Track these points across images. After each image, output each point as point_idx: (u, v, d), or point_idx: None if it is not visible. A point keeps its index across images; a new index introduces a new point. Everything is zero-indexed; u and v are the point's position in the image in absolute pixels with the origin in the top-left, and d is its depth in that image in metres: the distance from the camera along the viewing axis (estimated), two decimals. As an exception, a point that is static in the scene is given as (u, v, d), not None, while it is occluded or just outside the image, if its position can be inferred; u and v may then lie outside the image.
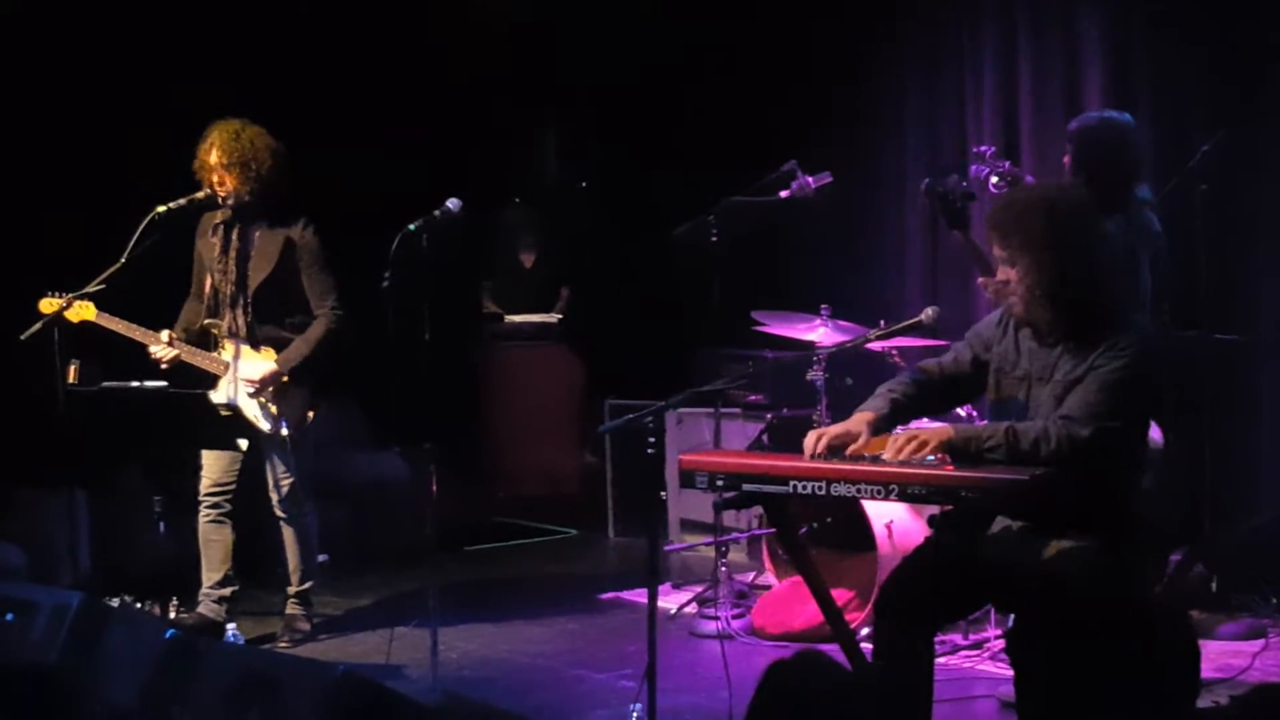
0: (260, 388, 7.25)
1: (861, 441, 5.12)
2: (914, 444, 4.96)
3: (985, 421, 5.95)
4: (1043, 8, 8.81)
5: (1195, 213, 7.20)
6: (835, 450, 5.12)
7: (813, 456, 5.12)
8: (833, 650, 5.60)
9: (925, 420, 5.85)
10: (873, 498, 5.00)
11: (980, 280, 6.38)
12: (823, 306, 7.78)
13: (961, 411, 6.91)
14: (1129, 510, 5.04)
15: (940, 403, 5.41)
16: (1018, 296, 5.10)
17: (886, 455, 4.99)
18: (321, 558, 8.02)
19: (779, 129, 9.43)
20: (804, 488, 5.04)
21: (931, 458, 4.93)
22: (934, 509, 5.34)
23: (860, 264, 9.64)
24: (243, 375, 7.28)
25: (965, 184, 6.84)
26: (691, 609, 7.91)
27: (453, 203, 6.62)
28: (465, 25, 10.87)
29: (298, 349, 7.31)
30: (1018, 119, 8.87)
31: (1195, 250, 7.19)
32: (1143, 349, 5.00)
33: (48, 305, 7.08)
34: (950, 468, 4.87)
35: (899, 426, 5.32)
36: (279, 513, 7.49)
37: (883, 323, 7.00)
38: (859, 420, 5.18)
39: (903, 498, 4.94)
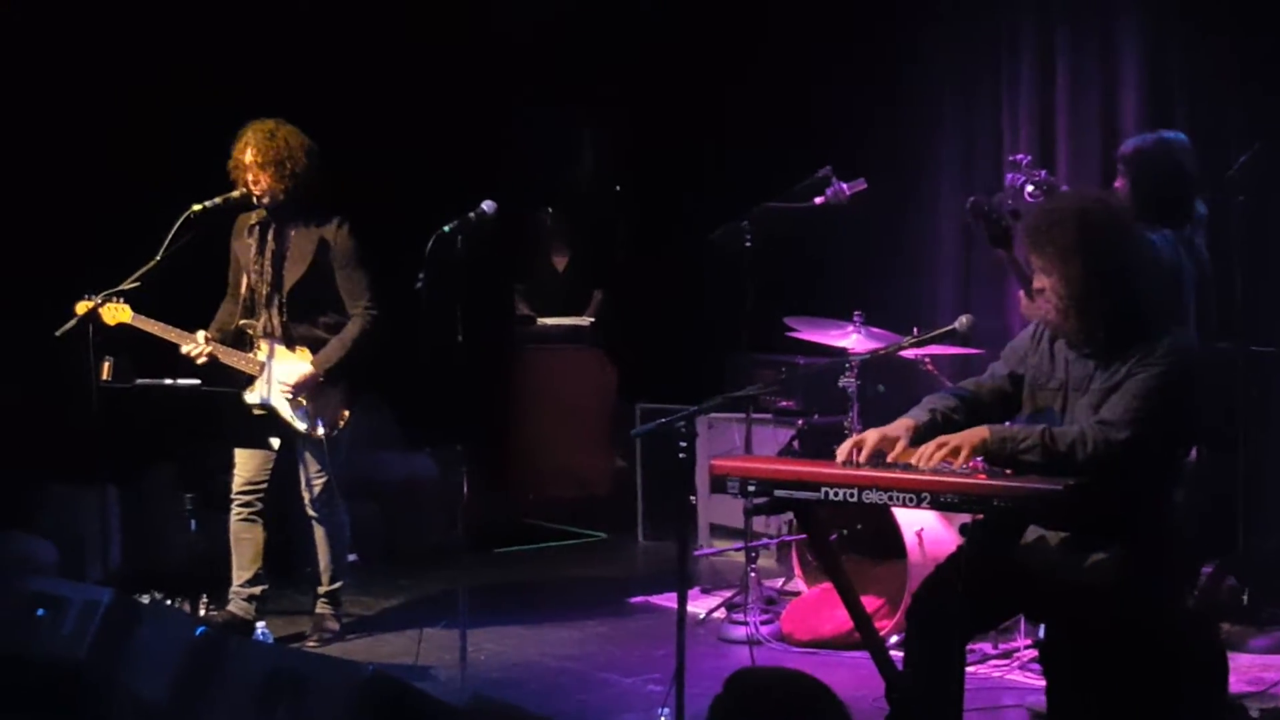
0: (298, 392, 7.27)
1: (900, 447, 5.09)
2: (945, 450, 4.95)
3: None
4: (1080, 17, 8.79)
5: (1232, 224, 7.17)
6: (872, 456, 5.12)
7: (845, 463, 5.11)
8: (862, 658, 5.61)
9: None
10: (904, 505, 4.98)
11: (1022, 304, 6.40)
12: (856, 313, 7.77)
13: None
14: (1163, 521, 5.02)
15: (982, 419, 5.37)
16: (1052, 305, 5.09)
17: (916, 461, 4.98)
18: (351, 557, 8.03)
19: (814, 135, 9.42)
20: (835, 494, 5.02)
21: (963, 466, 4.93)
22: (966, 517, 5.32)
23: (894, 271, 9.63)
24: (278, 377, 7.29)
25: (1010, 202, 6.82)
26: (720, 614, 7.90)
27: (488, 205, 6.63)
28: (501, 27, 10.87)
29: (334, 350, 7.32)
30: (1054, 127, 8.85)
31: (1232, 262, 7.16)
32: (1180, 356, 4.98)
33: (84, 308, 7.10)
34: (983, 476, 4.85)
35: None
36: (310, 512, 7.50)
37: (916, 330, 6.99)
38: (900, 425, 5.17)
39: (935, 506, 4.92)
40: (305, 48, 9.40)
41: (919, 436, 5.13)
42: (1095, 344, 5.08)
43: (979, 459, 4.96)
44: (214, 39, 9.12)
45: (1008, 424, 5.18)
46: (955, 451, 4.93)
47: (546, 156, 11.87)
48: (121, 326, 7.15)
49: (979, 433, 4.98)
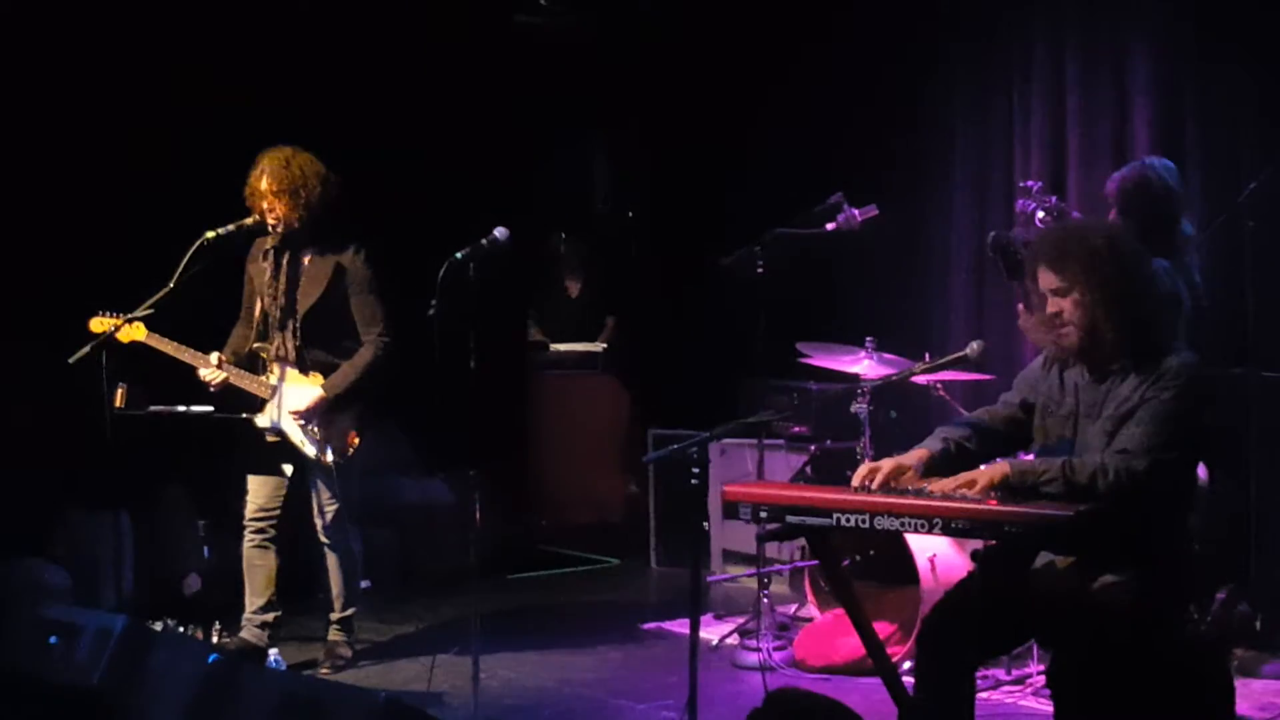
0: (307, 415, 7.28)
1: (911, 475, 5.12)
2: (961, 483, 4.97)
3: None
4: (1092, 43, 8.79)
5: (1243, 249, 7.18)
6: (886, 484, 5.13)
7: (858, 489, 5.12)
8: (875, 684, 5.61)
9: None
10: (916, 531, 4.99)
11: (1020, 317, 6.44)
12: (867, 339, 7.78)
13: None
14: (1175, 546, 5.03)
15: (995, 450, 5.37)
16: (1073, 324, 5.10)
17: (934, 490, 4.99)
18: (364, 584, 8.04)
19: (828, 162, 9.42)
20: (848, 520, 5.03)
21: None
22: (978, 543, 5.33)
23: (906, 297, 9.63)
24: (289, 401, 7.30)
25: (1025, 233, 6.86)
26: (733, 640, 7.90)
27: (500, 231, 6.64)
28: (517, 55, 10.90)
29: (344, 374, 7.33)
30: (1066, 154, 8.85)
31: (1243, 286, 7.16)
32: (1189, 378, 4.99)
33: (98, 325, 7.12)
34: (994, 502, 4.86)
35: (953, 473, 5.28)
36: (323, 538, 7.50)
37: (928, 356, 7.00)
38: (913, 456, 5.20)
39: (946, 531, 4.93)
40: (320, 71, 9.41)
41: (932, 466, 5.16)
42: (1117, 359, 5.08)
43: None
44: (229, 62, 9.14)
45: (1023, 458, 5.18)
46: (971, 485, 4.95)
47: (561, 183, 11.91)
48: (135, 350, 7.16)
49: (1000, 468, 5.00)
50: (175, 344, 7.26)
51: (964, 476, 5.00)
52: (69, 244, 8.53)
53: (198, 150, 8.66)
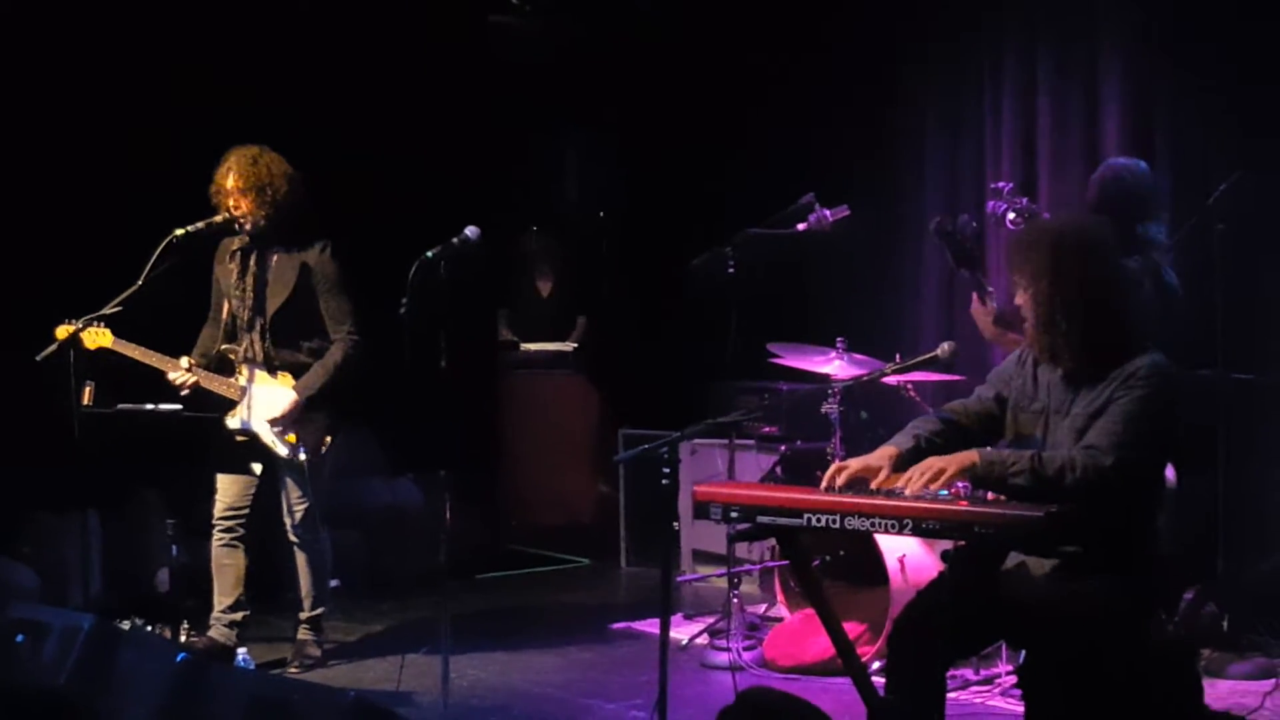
0: (282, 419, 7.25)
1: (883, 475, 5.12)
2: (930, 473, 4.96)
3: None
4: (1064, 45, 8.82)
5: (1212, 252, 7.20)
6: (855, 483, 5.13)
7: (828, 489, 5.12)
8: (844, 684, 5.61)
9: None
10: (887, 532, 4.98)
11: (973, 305, 6.49)
12: (838, 339, 7.79)
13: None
14: (1144, 547, 5.04)
15: (966, 443, 5.38)
16: (1029, 324, 5.14)
17: (903, 486, 4.99)
18: (333, 583, 8.02)
19: (802, 163, 9.42)
20: (818, 521, 5.03)
21: (944, 492, 4.93)
22: (948, 543, 5.33)
23: (877, 297, 9.64)
24: (259, 402, 7.28)
25: (974, 224, 6.88)
26: (703, 640, 7.90)
27: (471, 230, 6.64)
28: (491, 53, 10.89)
29: (316, 375, 7.31)
30: (1036, 155, 8.88)
31: (1212, 289, 7.18)
32: (1161, 379, 5.00)
33: (64, 332, 7.08)
34: (964, 503, 4.86)
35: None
36: (292, 537, 7.49)
37: (898, 356, 7.00)
38: (882, 454, 5.19)
39: (917, 532, 4.92)
40: (289, 71, 9.38)
41: (902, 463, 5.15)
42: (1067, 364, 5.11)
43: (964, 484, 4.97)
44: (206, 68, 9.12)
45: (992, 448, 5.19)
46: (940, 474, 4.94)
47: (533, 182, 11.90)
48: (102, 352, 7.14)
49: (968, 456, 5.00)
50: (142, 349, 7.23)
51: (933, 466, 4.99)
52: (37, 243, 8.50)
53: (168, 148, 8.62)
